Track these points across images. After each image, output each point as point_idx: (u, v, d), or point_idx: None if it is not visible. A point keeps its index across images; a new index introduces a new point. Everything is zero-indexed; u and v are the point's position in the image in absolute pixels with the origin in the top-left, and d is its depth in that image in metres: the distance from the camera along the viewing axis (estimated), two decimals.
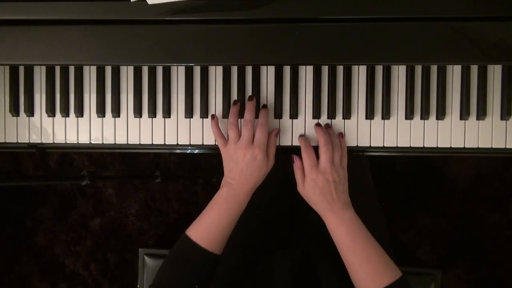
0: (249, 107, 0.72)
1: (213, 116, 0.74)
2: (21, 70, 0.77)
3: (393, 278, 0.62)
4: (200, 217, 0.69)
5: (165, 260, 0.68)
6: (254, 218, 0.86)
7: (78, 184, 1.05)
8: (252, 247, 0.84)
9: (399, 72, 0.75)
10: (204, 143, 0.77)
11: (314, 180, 0.68)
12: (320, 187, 0.68)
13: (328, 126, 0.75)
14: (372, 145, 0.76)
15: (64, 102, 0.77)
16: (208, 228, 0.67)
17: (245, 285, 0.76)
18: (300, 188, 0.72)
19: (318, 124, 0.74)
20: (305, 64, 0.75)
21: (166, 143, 0.77)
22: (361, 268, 0.64)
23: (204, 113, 0.76)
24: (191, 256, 0.66)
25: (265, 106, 0.75)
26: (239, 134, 0.70)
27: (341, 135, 0.74)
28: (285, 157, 0.75)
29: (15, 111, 0.77)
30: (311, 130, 0.75)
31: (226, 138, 0.72)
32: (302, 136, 0.75)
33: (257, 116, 0.73)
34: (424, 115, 0.74)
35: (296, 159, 0.72)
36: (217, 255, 0.67)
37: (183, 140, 0.77)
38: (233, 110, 0.72)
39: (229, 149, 0.70)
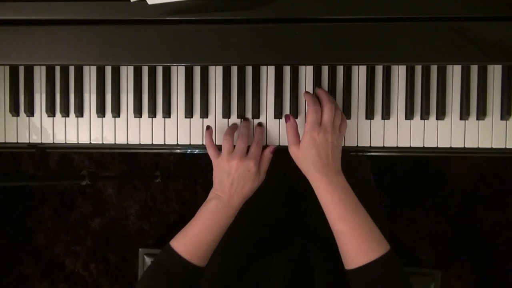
0: (245, 124, 0.74)
1: (208, 127, 0.75)
2: (21, 70, 0.77)
3: (382, 251, 0.60)
4: (186, 228, 0.68)
5: (147, 270, 0.67)
6: (253, 218, 0.86)
7: (78, 184, 1.05)
8: (250, 248, 0.84)
9: (399, 72, 0.75)
10: (204, 143, 0.77)
11: (313, 138, 0.65)
12: (317, 146, 0.65)
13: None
14: (372, 145, 0.76)
15: (64, 102, 0.77)
16: (194, 241, 0.66)
17: (242, 286, 0.76)
18: (293, 148, 0.68)
19: (320, 87, 0.72)
20: (305, 64, 0.75)
21: (166, 143, 0.77)
22: (350, 238, 0.62)
23: (204, 113, 0.76)
24: (175, 269, 0.65)
25: (260, 124, 0.75)
26: (233, 147, 0.70)
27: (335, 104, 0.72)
28: (285, 157, 0.75)
29: (15, 111, 0.77)
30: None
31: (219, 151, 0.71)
32: (308, 92, 0.74)
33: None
34: (424, 115, 0.74)
35: (291, 118, 0.70)
36: (202, 267, 0.67)
37: (183, 140, 0.77)
38: (231, 126, 0.74)
39: (222, 160, 0.69)
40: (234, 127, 0.74)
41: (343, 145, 0.75)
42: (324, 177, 0.65)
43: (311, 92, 0.75)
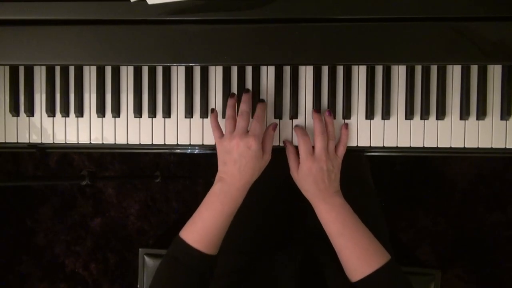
0: (245, 98, 0.72)
1: (212, 110, 0.74)
2: (21, 70, 0.77)
3: (383, 261, 0.63)
4: (194, 217, 0.67)
5: (161, 264, 0.66)
6: (255, 218, 0.86)
7: (78, 184, 1.05)
8: (254, 247, 0.84)
9: (399, 72, 0.75)
10: (204, 143, 0.77)
11: (309, 168, 0.68)
12: (314, 175, 0.68)
13: (330, 113, 0.74)
14: (372, 145, 0.76)
15: (64, 102, 0.77)
16: (202, 229, 0.65)
17: (247, 286, 0.76)
18: (293, 173, 0.72)
19: (316, 111, 0.73)
20: (305, 64, 0.75)
21: (166, 143, 0.77)
22: (351, 252, 0.65)
23: (204, 113, 0.76)
24: (187, 260, 0.64)
25: (262, 100, 0.75)
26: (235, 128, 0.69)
27: (346, 126, 0.74)
28: (285, 157, 0.75)
29: (15, 111, 0.77)
30: (310, 130, 0.75)
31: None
32: (298, 125, 0.75)
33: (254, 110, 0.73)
34: (424, 115, 0.74)
35: (288, 144, 0.73)
36: (214, 255, 0.66)
37: (183, 140, 0.77)
38: (231, 103, 0.72)
39: (224, 140, 0.68)
40: (234, 106, 0.72)
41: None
42: (322, 200, 0.68)
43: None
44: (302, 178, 0.69)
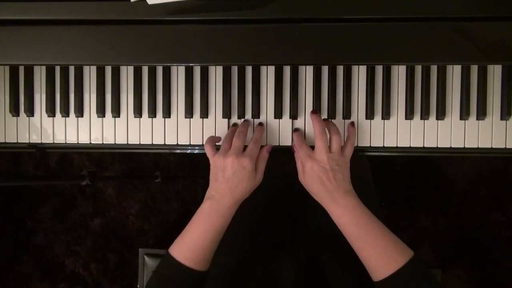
0: (244, 123, 0.73)
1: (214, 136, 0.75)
2: (21, 70, 0.77)
3: (405, 259, 0.61)
4: (183, 234, 0.67)
5: (150, 280, 0.66)
6: (257, 218, 0.86)
7: (78, 184, 1.05)
8: (255, 248, 0.84)
9: (399, 72, 0.75)
10: (204, 143, 0.77)
11: (311, 168, 0.67)
12: (318, 175, 0.67)
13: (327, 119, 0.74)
14: (372, 145, 0.76)
15: (64, 102, 0.77)
16: (192, 246, 0.65)
17: (248, 285, 0.76)
18: (300, 178, 0.71)
19: (314, 112, 0.72)
20: (305, 64, 0.75)
21: (166, 143, 0.77)
22: (371, 254, 0.63)
23: (204, 113, 0.76)
24: (177, 278, 0.64)
25: (261, 124, 0.75)
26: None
27: (352, 123, 0.74)
28: (285, 157, 0.75)
29: (15, 111, 0.77)
30: (311, 130, 0.75)
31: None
32: (296, 130, 0.75)
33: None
34: (424, 115, 0.74)
35: (296, 149, 0.72)
36: (205, 271, 0.66)
37: (183, 140, 0.77)
38: (231, 129, 0.74)
39: (218, 158, 0.68)
40: (234, 129, 0.73)
41: None
42: (332, 202, 0.66)
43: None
44: (308, 180, 0.69)
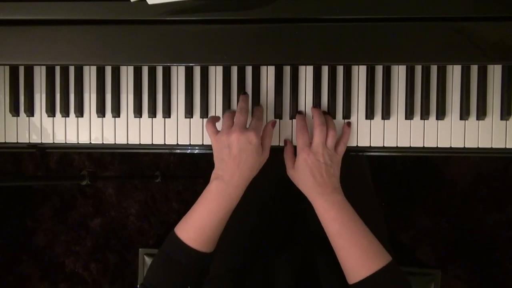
0: (243, 98, 0.71)
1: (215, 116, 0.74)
2: (21, 70, 0.77)
3: (383, 263, 0.61)
4: (189, 214, 0.65)
5: (154, 259, 0.64)
6: (254, 217, 0.86)
7: (78, 184, 1.05)
8: (252, 247, 0.84)
9: (399, 72, 0.75)
10: (204, 143, 0.77)
11: (305, 160, 0.67)
12: (310, 167, 0.66)
13: (327, 113, 0.74)
14: (372, 145, 0.76)
15: (64, 102, 0.77)
16: (198, 227, 0.63)
17: (246, 285, 0.76)
18: (289, 171, 0.70)
19: (315, 107, 0.73)
20: (305, 64, 0.75)
21: (166, 143, 0.77)
22: (350, 253, 0.62)
23: (204, 113, 0.76)
24: (182, 258, 0.62)
25: (258, 105, 0.75)
26: (233, 123, 0.67)
27: (348, 124, 0.74)
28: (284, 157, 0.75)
29: (15, 111, 0.77)
30: (310, 129, 0.75)
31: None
32: (300, 114, 0.74)
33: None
34: (424, 115, 0.74)
35: (288, 143, 0.71)
36: (209, 253, 0.64)
37: (183, 140, 0.77)
38: (230, 110, 0.73)
39: (222, 135, 0.65)
40: (233, 110, 0.72)
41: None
42: (319, 195, 0.66)
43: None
44: (298, 171, 0.68)
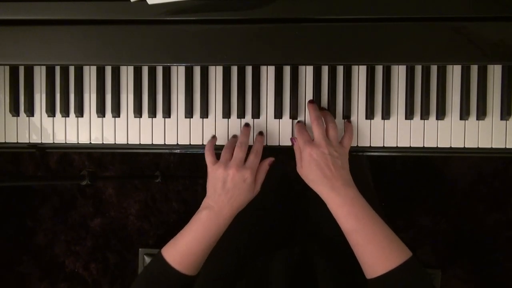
0: (245, 131, 0.73)
1: (213, 137, 0.75)
2: (21, 70, 0.77)
3: (402, 259, 0.59)
4: (177, 237, 0.67)
5: (139, 277, 0.66)
6: (253, 218, 0.86)
7: (78, 184, 1.05)
8: (250, 247, 0.84)
9: (399, 72, 0.75)
10: (204, 143, 0.77)
11: (310, 154, 0.66)
12: (316, 161, 0.66)
13: (325, 109, 0.75)
14: (372, 145, 0.76)
15: (64, 102, 0.77)
16: (184, 251, 0.65)
17: (242, 284, 0.76)
18: (298, 169, 0.70)
19: (311, 101, 0.73)
20: (305, 64, 0.75)
21: (166, 143, 0.77)
22: (367, 249, 0.61)
23: (204, 113, 0.76)
24: (166, 279, 0.64)
25: (261, 133, 0.75)
26: (231, 158, 0.69)
27: (349, 120, 0.75)
28: (285, 157, 0.75)
29: (15, 111, 0.77)
30: (311, 130, 0.75)
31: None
32: (299, 121, 0.75)
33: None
34: (424, 115, 0.74)
35: (295, 140, 0.71)
36: (193, 276, 0.66)
37: (183, 140, 0.77)
38: (231, 139, 0.74)
39: (219, 168, 0.68)
40: (234, 141, 0.73)
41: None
42: (331, 190, 0.64)
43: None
44: (306, 167, 0.67)
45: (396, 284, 0.59)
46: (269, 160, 0.72)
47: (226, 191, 0.67)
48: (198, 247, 0.65)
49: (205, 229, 0.66)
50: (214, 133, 0.76)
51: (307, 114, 0.76)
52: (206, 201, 0.69)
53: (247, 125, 0.75)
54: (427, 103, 0.74)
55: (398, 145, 0.75)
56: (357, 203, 0.64)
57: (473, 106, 0.74)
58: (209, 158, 0.71)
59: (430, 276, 0.61)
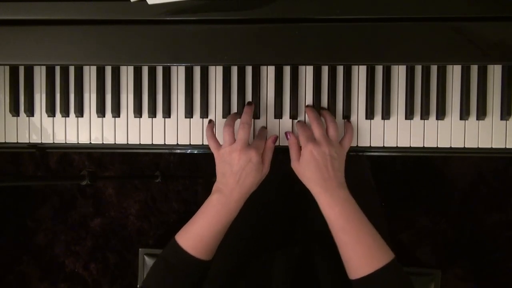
0: (247, 110, 0.71)
1: (210, 121, 0.75)
2: (21, 70, 0.77)
3: (385, 261, 0.61)
4: (190, 223, 0.68)
5: (155, 264, 0.67)
6: (254, 217, 0.86)
7: (78, 184, 1.05)
8: (251, 246, 0.84)
9: (399, 72, 0.75)
10: (204, 143, 0.77)
11: (310, 152, 0.66)
12: (316, 160, 0.66)
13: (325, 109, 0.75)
14: (372, 145, 0.76)
15: (64, 102, 0.77)
16: (198, 236, 0.65)
17: (243, 284, 0.76)
18: (294, 164, 0.70)
19: (308, 105, 0.74)
20: (305, 64, 0.75)
21: (166, 143, 0.77)
22: (354, 250, 0.62)
23: (204, 113, 0.76)
24: (181, 265, 0.64)
25: (250, 103, 0.75)
26: (234, 138, 0.69)
27: (349, 120, 0.75)
28: (285, 157, 0.75)
29: (15, 111, 0.77)
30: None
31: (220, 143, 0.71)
32: (299, 121, 0.76)
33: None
34: (424, 115, 0.74)
35: (290, 135, 0.71)
36: (208, 261, 0.66)
37: (183, 140, 0.77)
38: (232, 115, 0.73)
39: (224, 152, 0.68)
40: (234, 117, 0.72)
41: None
42: (324, 191, 0.65)
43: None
44: (304, 165, 0.67)
45: (381, 284, 0.60)
46: (273, 137, 0.71)
47: (234, 173, 0.66)
48: (211, 232, 0.66)
49: (217, 213, 0.66)
50: (214, 133, 0.76)
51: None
52: (216, 186, 0.69)
53: (249, 103, 0.74)
54: (427, 103, 0.74)
55: (398, 145, 0.75)
56: (348, 205, 0.65)
57: (473, 106, 0.74)
58: (212, 144, 0.71)
59: (410, 278, 0.62)
